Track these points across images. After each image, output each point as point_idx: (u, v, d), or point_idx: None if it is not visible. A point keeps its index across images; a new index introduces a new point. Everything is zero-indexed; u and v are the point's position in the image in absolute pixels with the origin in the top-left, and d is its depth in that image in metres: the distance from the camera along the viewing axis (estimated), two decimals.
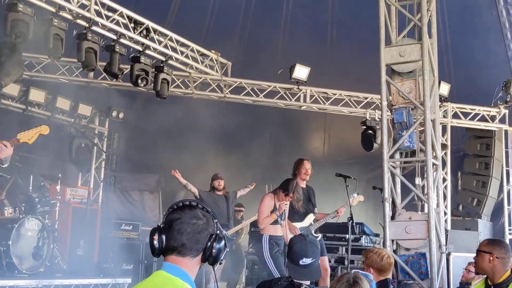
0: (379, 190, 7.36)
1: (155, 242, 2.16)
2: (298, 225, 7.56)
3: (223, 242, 2.19)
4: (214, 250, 2.17)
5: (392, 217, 6.79)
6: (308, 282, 3.64)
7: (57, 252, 7.77)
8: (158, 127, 11.55)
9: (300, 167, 7.60)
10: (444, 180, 10.79)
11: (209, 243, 2.17)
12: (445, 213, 10.58)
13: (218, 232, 2.21)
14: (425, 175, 6.76)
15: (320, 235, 7.65)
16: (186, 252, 2.15)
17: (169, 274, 2.13)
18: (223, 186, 8.91)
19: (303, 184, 7.68)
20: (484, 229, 10.76)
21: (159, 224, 2.21)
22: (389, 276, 4.56)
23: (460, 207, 11.68)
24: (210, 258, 2.18)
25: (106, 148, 11.35)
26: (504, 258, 4.04)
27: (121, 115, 11.10)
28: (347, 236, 7.69)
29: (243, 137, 12.76)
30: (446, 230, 8.95)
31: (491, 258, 4.03)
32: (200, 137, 11.66)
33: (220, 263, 2.24)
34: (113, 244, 9.19)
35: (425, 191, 6.79)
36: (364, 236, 9.47)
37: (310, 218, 7.63)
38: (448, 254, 7.63)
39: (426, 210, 6.87)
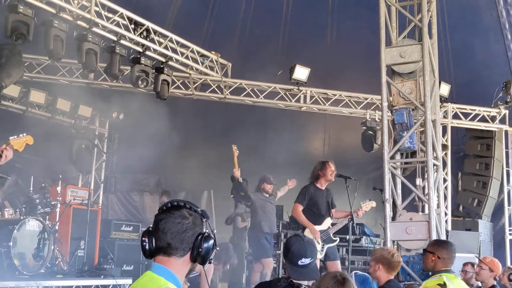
0: (379, 191, 7.36)
1: (144, 243, 2.21)
2: (317, 228, 7.53)
3: (211, 241, 2.19)
4: (201, 250, 2.16)
5: (393, 218, 6.79)
6: (306, 282, 3.65)
7: (57, 253, 7.76)
8: (158, 128, 11.55)
9: (325, 169, 7.52)
10: (445, 180, 10.79)
11: (196, 243, 2.17)
12: (446, 214, 10.57)
13: (206, 231, 2.21)
14: (426, 176, 6.76)
15: (338, 239, 7.62)
16: (171, 251, 2.16)
17: (154, 274, 2.17)
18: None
19: (323, 187, 7.61)
20: (484, 230, 10.76)
21: (149, 227, 2.24)
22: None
23: (461, 208, 11.68)
24: (198, 257, 2.18)
25: (106, 149, 11.35)
26: (445, 258, 4.28)
27: (121, 116, 11.10)
28: (348, 236, 7.71)
29: (242, 137, 12.75)
30: (447, 231, 8.95)
31: (433, 258, 4.28)
32: (200, 138, 11.68)
33: (210, 262, 2.22)
34: (114, 245, 9.19)
35: (426, 192, 6.79)
36: (364, 237, 9.48)
37: (328, 221, 7.59)
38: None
39: (426, 211, 6.87)
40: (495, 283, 5.86)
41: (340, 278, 3.09)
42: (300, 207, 7.44)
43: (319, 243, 7.26)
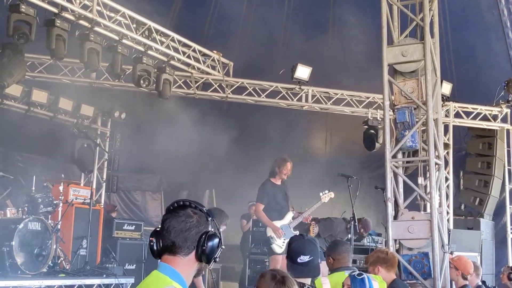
0: (381, 190, 7.37)
1: (152, 243, 2.22)
2: (278, 223, 7.66)
3: (216, 240, 2.19)
4: (205, 248, 2.17)
5: (395, 217, 6.79)
6: (309, 281, 3.67)
7: (60, 253, 7.78)
8: (159, 128, 11.57)
9: (283, 167, 7.79)
10: (447, 179, 10.77)
11: (200, 241, 2.17)
12: (448, 213, 10.56)
13: (211, 230, 2.21)
14: (428, 175, 6.76)
15: (297, 232, 7.71)
16: (176, 250, 2.18)
17: (160, 273, 2.17)
18: None
19: (278, 182, 7.79)
20: (486, 228, 10.75)
21: (157, 227, 2.26)
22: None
23: (462, 207, 11.68)
24: (203, 256, 2.18)
25: (108, 149, 11.36)
26: (339, 259, 4.59)
27: (123, 116, 11.10)
28: (349, 235, 7.72)
29: (244, 137, 12.75)
30: (449, 230, 8.94)
31: (329, 261, 4.60)
32: (201, 137, 11.68)
33: (215, 261, 2.23)
34: (116, 244, 9.21)
35: (428, 191, 6.79)
36: (366, 236, 9.47)
37: (289, 215, 7.77)
38: (451, 254, 7.62)
39: (428, 210, 6.86)
40: (466, 283, 5.83)
41: (280, 278, 2.91)
42: (261, 206, 7.72)
43: (279, 239, 7.54)
